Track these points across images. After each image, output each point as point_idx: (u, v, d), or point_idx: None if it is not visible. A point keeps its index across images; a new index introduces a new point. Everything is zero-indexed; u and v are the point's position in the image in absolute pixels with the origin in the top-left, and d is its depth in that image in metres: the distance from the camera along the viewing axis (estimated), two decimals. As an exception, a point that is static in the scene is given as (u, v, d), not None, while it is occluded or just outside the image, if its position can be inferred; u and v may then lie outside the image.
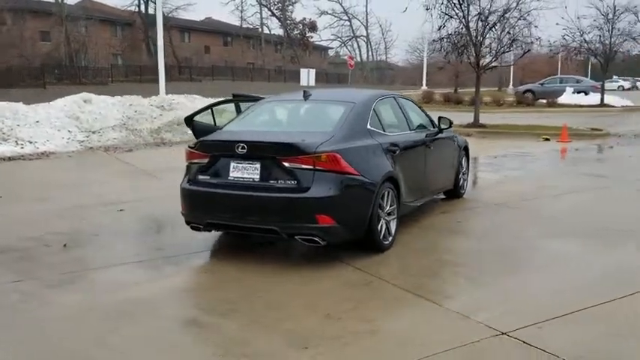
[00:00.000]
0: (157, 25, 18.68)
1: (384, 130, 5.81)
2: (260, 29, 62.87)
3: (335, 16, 77.53)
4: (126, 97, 17.14)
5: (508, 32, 17.20)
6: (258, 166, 5.04)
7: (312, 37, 62.54)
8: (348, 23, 78.05)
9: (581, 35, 27.05)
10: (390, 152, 5.64)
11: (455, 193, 7.85)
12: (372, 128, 5.63)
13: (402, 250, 5.57)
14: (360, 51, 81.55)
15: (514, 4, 17.68)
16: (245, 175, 5.10)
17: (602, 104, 28.42)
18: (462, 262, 5.29)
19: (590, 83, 33.20)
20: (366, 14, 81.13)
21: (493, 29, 17.51)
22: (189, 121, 7.30)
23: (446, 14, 18.06)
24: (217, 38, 58.46)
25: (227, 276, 4.92)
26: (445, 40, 18.75)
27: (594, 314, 4.02)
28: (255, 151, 5.03)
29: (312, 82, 22.87)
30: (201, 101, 17.92)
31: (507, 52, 17.92)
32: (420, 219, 6.72)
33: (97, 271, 5.12)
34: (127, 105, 16.58)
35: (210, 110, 7.35)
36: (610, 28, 26.95)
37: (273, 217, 4.95)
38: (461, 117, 17.23)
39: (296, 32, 60.81)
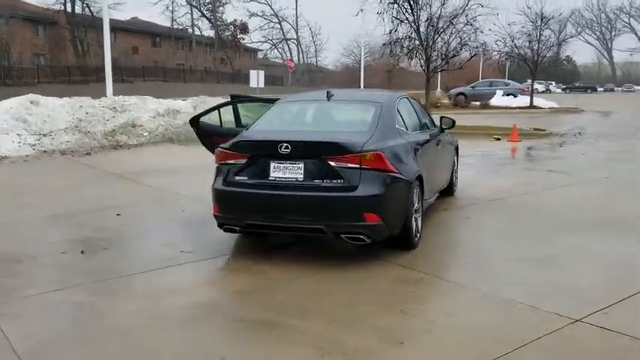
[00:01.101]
0: (103, 25, 18.03)
1: (407, 130, 5.94)
2: (191, 30, 61.75)
3: (265, 19, 77.48)
4: (75, 99, 16.40)
5: (458, 37, 17.86)
6: (301, 165, 5.03)
7: (243, 39, 62.16)
8: (279, 26, 78.23)
9: (512, 41, 28.47)
10: (415, 151, 5.79)
11: (449, 190, 8.11)
12: (400, 127, 5.75)
13: (429, 246, 5.71)
14: (290, 53, 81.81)
15: (461, 11, 18.34)
16: (287, 175, 5.07)
17: (531, 106, 30.02)
18: (494, 254, 5.48)
19: (517, 86, 34.94)
20: (296, 17, 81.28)
21: (442, 34, 18.10)
22: (194, 122, 7.17)
23: (397, 19, 18.50)
24: (145, 39, 56.87)
25: (272, 277, 4.87)
26: (394, 43, 19.21)
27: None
28: (300, 150, 5.02)
29: (262, 84, 22.75)
30: (154, 102, 17.44)
31: (456, 55, 18.57)
32: (426, 216, 6.90)
33: (136, 277, 4.92)
34: (76, 107, 15.87)
35: (217, 111, 7.27)
36: (538, 34, 28.54)
37: (320, 216, 4.95)
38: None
39: (227, 34, 60.17)
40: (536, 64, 28.93)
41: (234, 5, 73.55)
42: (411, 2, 18.03)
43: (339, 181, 4.94)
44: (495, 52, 28.36)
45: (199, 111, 17.92)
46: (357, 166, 4.92)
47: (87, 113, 15.63)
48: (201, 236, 6.25)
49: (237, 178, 5.25)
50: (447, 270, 5.04)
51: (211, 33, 62.63)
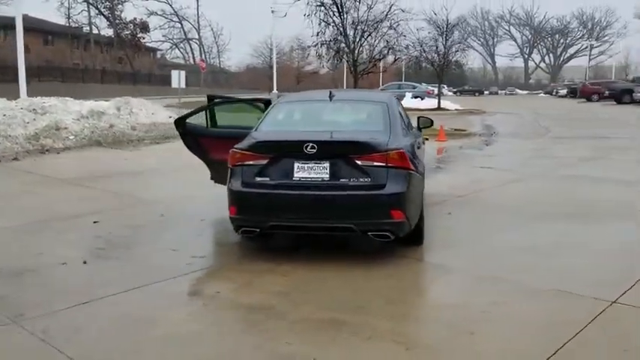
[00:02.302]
0: (16, 24, 16.76)
1: (407, 129, 6.13)
2: (88, 29, 58.51)
3: (165, 18, 75.26)
4: (-12, 100, 15.14)
5: (386, 40, 18.46)
6: (327, 165, 5.05)
7: (143, 38, 59.82)
8: (179, 25, 76.31)
9: (421, 46, 29.75)
10: (417, 148, 5.99)
11: (421, 188, 8.41)
12: (404, 127, 5.93)
13: (433, 241, 5.91)
14: (193, 54, 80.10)
15: (384, 15, 18.96)
16: (312, 175, 5.07)
17: (439, 108, 31.53)
18: (498, 246, 5.79)
19: (424, 89, 36.58)
20: (198, 17, 79.61)
21: (369, 37, 18.63)
22: (180, 123, 6.93)
23: (324, 21, 18.79)
24: (37, 37, 53.04)
25: (302, 277, 4.86)
26: (320, 45, 19.51)
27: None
28: (326, 150, 5.04)
29: (183, 84, 22.09)
30: (76, 104, 16.47)
31: (382, 58, 19.17)
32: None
33: (166, 283, 4.72)
34: (-9, 108, 14.66)
35: (205, 113, 7.06)
36: (444, 40, 30.06)
37: (349, 214, 5.00)
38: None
39: (126, 32, 57.65)
40: (442, 69, 30.44)
41: (134, 3, 71.07)
42: (338, 5, 18.37)
43: (366, 179, 5.02)
44: (406, 56, 29.48)
45: (123, 113, 17.38)
46: (384, 164, 5.03)
47: (5, 115, 14.48)
48: (204, 240, 6.09)
49: (258, 179, 5.17)
50: (467, 263, 5.26)
51: (110, 32, 59.94)
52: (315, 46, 19.74)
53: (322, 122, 5.94)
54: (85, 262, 5.26)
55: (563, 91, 61.53)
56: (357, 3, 18.16)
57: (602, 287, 4.53)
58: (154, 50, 71.28)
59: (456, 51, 30.43)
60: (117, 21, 57.77)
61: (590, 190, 8.91)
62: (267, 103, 6.95)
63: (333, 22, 18.71)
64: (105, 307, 4.24)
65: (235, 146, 5.40)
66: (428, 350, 3.54)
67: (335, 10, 18.38)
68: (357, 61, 18.70)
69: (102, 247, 5.74)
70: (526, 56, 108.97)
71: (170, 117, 18.44)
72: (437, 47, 29.92)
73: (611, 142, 15.77)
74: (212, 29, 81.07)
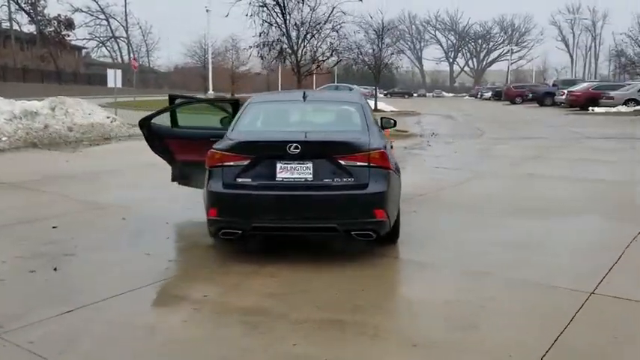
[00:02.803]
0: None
1: (380, 129, 6.20)
2: (8, 24, 55.31)
3: (91, 15, 72.47)
4: None
5: (330, 42, 18.58)
6: (310, 165, 5.03)
7: (68, 36, 57.24)
8: (106, 23, 73.71)
9: (358, 48, 30.12)
10: (390, 148, 6.07)
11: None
12: (378, 127, 6.00)
13: (405, 238, 6.00)
14: (120, 52, 77.57)
15: (326, 17, 19.09)
16: (295, 176, 5.04)
17: (376, 109, 32.04)
18: (469, 242, 5.95)
19: (361, 91, 37.01)
20: (125, 15, 76.86)
21: (312, 39, 18.70)
22: (145, 123, 6.70)
23: (267, 22, 18.69)
24: (-53, 32, 49.91)
25: (289, 278, 4.81)
26: (263, 46, 19.41)
27: (624, 266, 5.01)
28: (309, 150, 5.01)
29: (120, 84, 21.32)
30: (7, 103, 15.55)
31: (325, 60, 19.29)
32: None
33: (151, 288, 4.55)
34: None
35: (170, 113, 6.86)
36: (380, 43, 30.59)
37: (332, 215, 5.00)
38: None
39: (50, 29, 54.97)
40: (379, 70, 30.98)
41: (59, -1, 67.55)
42: (281, 6, 18.33)
43: (349, 179, 5.03)
44: (347, 59, 29.79)
45: (58, 113, 16.59)
46: (366, 164, 5.06)
47: None
48: (174, 243, 5.93)
49: (240, 180, 5.08)
50: (446, 259, 5.36)
51: (32, 28, 56.98)
52: (257, 46, 19.62)
53: (300, 123, 5.91)
54: (55, 269, 4.99)
55: (488, 94, 63.93)
56: (301, 4, 18.20)
57: (578, 279, 4.75)
58: (79, 48, 68.42)
59: (392, 54, 31.05)
60: (39, 17, 55.06)
61: (542, 186, 9.28)
62: (236, 103, 6.85)
63: (276, 22, 18.66)
64: (92, 315, 4.04)
65: (214, 147, 5.28)
66: (436, 346, 3.58)
67: (278, 10, 18.34)
68: (301, 62, 18.72)
69: (70, 253, 5.46)
70: (451, 60, 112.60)
71: (108, 117, 17.81)
72: (373, 50, 30.41)
73: (545, 142, 16.55)
74: (140, 28, 78.71)
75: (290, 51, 18.74)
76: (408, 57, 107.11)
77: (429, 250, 5.65)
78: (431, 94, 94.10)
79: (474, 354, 3.47)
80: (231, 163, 5.11)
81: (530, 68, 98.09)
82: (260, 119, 5.88)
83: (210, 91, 37.21)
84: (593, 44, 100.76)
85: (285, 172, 5.05)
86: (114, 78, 20.64)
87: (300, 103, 6.03)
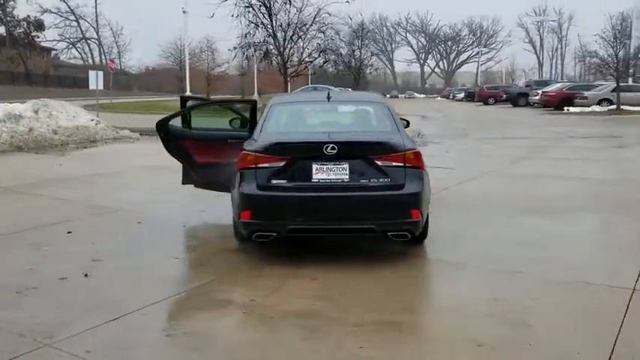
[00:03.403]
0: None
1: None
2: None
3: (61, 16, 70.95)
4: None
5: (318, 43, 18.55)
6: (346, 166, 5.00)
7: (38, 37, 55.89)
8: (76, 24, 72.23)
9: (339, 49, 30.16)
10: None
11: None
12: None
13: (428, 240, 6.01)
14: (91, 54, 76.09)
15: (312, 19, 19.06)
16: (332, 177, 5.00)
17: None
18: (493, 241, 5.99)
19: (335, 91, 37.07)
20: (96, 15, 75.24)
21: (299, 40, 18.66)
22: (163, 125, 6.57)
23: (253, 23, 18.58)
24: None
25: (329, 280, 4.76)
26: (248, 46, 19.29)
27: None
28: (346, 151, 4.98)
29: (101, 86, 20.87)
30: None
31: (313, 61, 19.28)
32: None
33: (192, 293, 4.45)
34: None
35: (187, 115, 6.76)
36: (360, 44, 30.66)
37: (370, 215, 4.98)
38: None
39: (19, 31, 53.60)
40: (358, 72, 31.05)
41: (28, 0, 65.67)
42: (268, 7, 18.25)
43: (386, 180, 5.02)
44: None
45: (42, 116, 16.19)
46: (402, 164, 5.06)
47: None
48: (200, 247, 5.81)
49: (275, 181, 5.01)
50: (473, 257, 5.36)
51: (1, 30, 55.39)
52: (242, 47, 19.48)
53: (330, 123, 5.87)
54: (86, 275, 4.85)
55: (460, 95, 64.79)
56: (288, 5, 18.15)
57: (612, 276, 4.81)
58: (48, 50, 66.90)
59: (371, 55, 31.16)
60: (8, 18, 53.67)
61: (541, 185, 9.40)
62: (254, 104, 6.78)
63: (262, 23, 18.55)
64: (140, 323, 3.94)
65: (246, 148, 5.21)
66: (501, 346, 3.57)
67: (264, 11, 18.24)
68: (287, 63, 18.66)
69: (96, 259, 5.31)
70: (422, 61, 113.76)
71: (92, 120, 17.45)
72: (353, 51, 30.45)
73: (530, 142, 16.80)
74: (111, 29, 77.13)
75: (276, 52, 18.64)
76: (380, 59, 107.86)
77: (455, 250, 5.64)
78: (403, 95, 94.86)
79: (541, 353, 3.47)
80: (266, 165, 5.04)
81: (498, 69, 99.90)
82: (288, 120, 5.83)
83: (188, 93, 36.76)
84: (559, 46, 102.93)
85: (321, 173, 5.00)
86: (95, 80, 20.21)
87: (325, 103, 5.98)
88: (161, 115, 7.06)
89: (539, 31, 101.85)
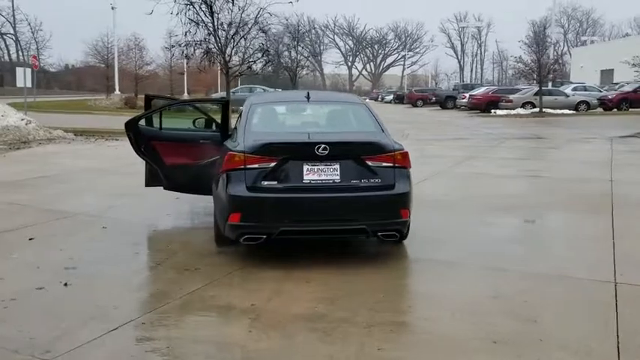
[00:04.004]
0: None
1: None
2: None
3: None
4: None
5: (261, 43, 18.33)
6: (337, 166, 4.95)
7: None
8: (-10, 18, 67.98)
9: (276, 50, 30.02)
10: None
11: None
12: (385, 128, 6.01)
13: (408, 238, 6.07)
14: (8, 50, 71.76)
15: (254, 19, 18.83)
16: (323, 177, 4.94)
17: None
18: (472, 238, 6.11)
19: (272, 92, 36.94)
20: (13, 9, 70.97)
21: (242, 40, 18.38)
22: (131, 125, 6.28)
23: (193, 21, 18.13)
24: None
25: (323, 282, 4.69)
26: (188, 45, 18.82)
27: (624, 257, 5.36)
28: (337, 151, 4.93)
29: (29, 83, 19.67)
30: None
31: (255, 61, 19.05)
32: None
33: (192, 298, 4.26)
34: None
35: (158, 114, 6.49)
36: (296, 45, 30.69)
37: (361, 216, 4.95)
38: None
39: None
40: (295, 73, 31.06)
41: None
42: (209, 5, 17.87)
43: (376, 180, 5.01)
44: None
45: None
46: (392, 164, 5.07)
47: None
48: (182, 251, 5.57)
49: (265, 183, 4.89)
50: (459, 255, 5.44)
51: None
52: (180, 45, 18.98)
53: (315, 124, 5.80)
54: (65, 285, 4.55)
55: (389, 97, 66.20)
56: (230, 4, 17.82)
57: (593, 271, 5.00)
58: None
59: (308, 56, 31.23)
60: None
61: (498, 184, 9.63)
62: (226, 104, 6.62)
63: (203, 21, 18.13)
64: (145, 333, 3.74)
65: (232, 149, 5.05)
66: (514, 342, 3.61)
67: (205, 8, 17.82)
68: (229, 62, 18.33)
69: (70, 267, 4.99)
70: (350, 64, 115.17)
71: (23, 119, 16.48)
72: (290, 53, 30.45)
73: (470, 142, 17.35)
74: (29, 24, 72.98)
75: (218, 51, 18.28)
76: (310, 61, 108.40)
77: (442, 249, 5.69)
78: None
79: (556, 347, 3.56)
80: (255, 166, 4.91)
81: (423, 73, 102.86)
82: (272, 120, 5.71)
83: (117, 92, 35.52)
84: (479, 51, 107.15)
85: (312, 173, 4.93)
86: (23, 77, 19.07)
87: (305, 103, 5.92)
88: (91, 115, 6.81)
89: (459, 36, 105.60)
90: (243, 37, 18.30)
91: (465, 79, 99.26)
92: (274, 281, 4.70)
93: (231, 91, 38.05)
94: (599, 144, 16.00)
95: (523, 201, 8.12)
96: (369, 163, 5.00)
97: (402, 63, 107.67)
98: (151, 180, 6.75)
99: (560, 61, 31.34)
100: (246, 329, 3.78)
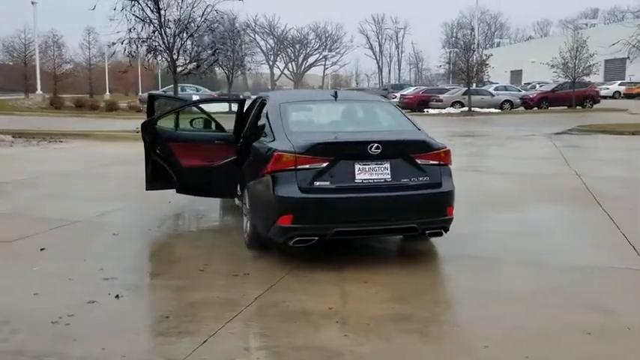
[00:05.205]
0: None
1: None
2: None
3: None
4: None
5: (212, 41, 17.86)
6: (387, 165, 4.91)
7: None
8: None
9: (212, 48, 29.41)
10: None
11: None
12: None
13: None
14: None
15: (201, 17, 18.32)
16: (374, 177, 4.89)
17: (230, 111, 31.51)
18: (484, 233, 6.24)
19: (208, 92, 36.38)
20: None
21: (190, 37, 17.84)
22: (149, 126, 5.95)
23: (137, 17, 17.40)
24: None
25: (388, 282, 4.64)
26: (131, 42, 18.05)
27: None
28: (389, 150, 4.89)
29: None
30: None
31: (206, 60, 18.55)
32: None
33: (244, 300, 4.08)
34: None
35: (175, 115, 6.20)
36: (232, 44, 30.20)
37: (412, 215, 4.95)
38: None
39: None
40: (232, 73, 30.62)
41: None
42: (155, 1, 17.22)
43: (425, 178, 5.01)
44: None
45: None
46: (437, 162, 5.09)
47: None
48: (220, 258, 5.33)
49: (318, 183, 4.77)
50: (482, 250, 5.55)
51: None
52: (122, 42, 18.13)
53: (353, 122, 5.68)
54: (117, 297, 4.24)
55: (316, 97, 66.46)
56: (180, 1, 17.23)
57: (623, 259, 5.24)
58: None
59: (245, 55, 30.84)
60: None
61: (473, 182, 9.86)
62: (242, 102, 6.43)
63: (147, 17, 17.41)
64: (238, 343, 3.57)
65: (280, 149, 4.88)
66: (607, 332, 3.73)
67: (152, 5, 17.13)
68: (175, 61, 17.71)
69: (110, 277, 4.65)
70: (271, 63, 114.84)
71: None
72: (227, 51, 29.89)
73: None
74: None
75: (164, 48, 17.62)
76: (230, 60, 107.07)
77: (466, 245, 5.76)
78: (255, 96, 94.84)
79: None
80: (307, 166, 4.79)
81: (344, 73, 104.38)
82: (309, 120, 5.59)
83: (39, 91, 33.48)
84: (396, 52, 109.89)
85: (364, 173, 4.87)
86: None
87: (334, 102, 5.80)
88: (16, 116, 6.50)
89: (378, 37, 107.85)
90: (191, 34, 17.75)
91: (383, 80, 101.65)
92: (332, 284, 4.61)
93: (162, 90, 37.16)
94: (540, 141, 16.78)
95: (507, 197, 8.35)
96: (418, 161, 5.00)
97: (324, 63, 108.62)
98: (153, 183, 6.43)
99: (487, 63, 32.58)
100: (339, 333, 3.68)
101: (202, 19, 18.03)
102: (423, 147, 5.06)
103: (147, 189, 6.52)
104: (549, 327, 3.81)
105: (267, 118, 5.58)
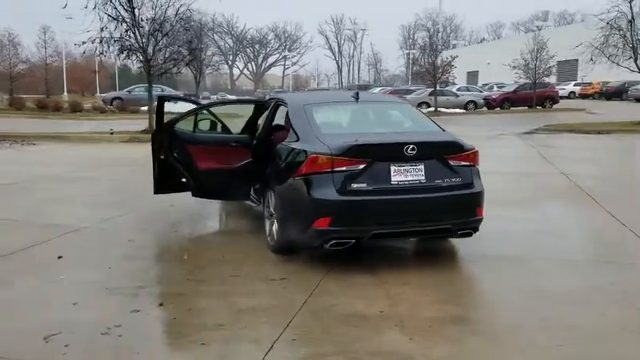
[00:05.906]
0: None
1: None
2: None
3: None
4: None
5: (189, 41, 17.52)
6: (422, 167, 4.91)
7: None
8: None
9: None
10: None
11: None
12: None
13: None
14: None
15: (175, 17, 18.00)
16: (409, 178, 4.88)
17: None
18: (507, 231, 6.30)
19: (173, 92, 35.70)
20: None
21: (164, 37, 17.50)
22: (168, 127, 5.79)
23: (110, 15, 16.96)
24: None
25: (426, 284, 4.63)
26: (102, 41, 17.58)
27: None
28: (424, 151, 4.88)
29: None
30: None
31: (181, 60, 18.22)
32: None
33: (290, 307, 4.01)
34: None
35: (193, 117, 6.05)
36: (199, 44, 29.75)
37: (447, 216, 4.97)
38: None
39: None
40: (200, 73, 30.19)
41: None
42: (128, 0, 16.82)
43: (457, 179, 5.03)
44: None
45: None
46: (468, 163, 5.12)
47: None
48: (244, 261, 5.22)
49: (355, 185, 4.73)
50: (511, 249, 5.59)
51: None
52: (92, 42, 17.60)
53: (380, 124, 5.65)
54: (161, 305, 4.11)
55: (278, 97, 66.26)
56: (154, 0, 16.85)
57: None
58: None
59: (212, 55, 30.46)
60: None
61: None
62: (262, 105, 6.36)
63: (120, 16, 16.96)
64: (304, 349, 3.51)
65: (315, 151, 4.81)
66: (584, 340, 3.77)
67: (125, 3, 16.70)
68: (151, 60, 17.33)
69: (140, 286, 4.49)
70: (230, 63, 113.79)
71: None
72: (193, 50, 29.40)
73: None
74: None
75: (137, 46, 17.20)
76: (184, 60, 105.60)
77: (487, 244, 5.77)
78: (215, 96, 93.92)
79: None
80: (344, 168, 4.74)
81: (304, 74, 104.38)
82: (338, 121, 5.54)
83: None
84: (355, 53, 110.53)
85: (399, 174, 4.85)
86: None
87: (355, 103, 5.75)
88: None
89: (337, 38, 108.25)
90: (166, 34, 17.40)
91: (343, 80, 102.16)
92: (374, 286, 4.58)
93: (127, 90, 36.32)
94: (513, 140, 17.11)
95: (505, 195, 8.43)
96: (452, 162, 5.02)
97: (283, 63, 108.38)
98: (162, 187, 6.28)
99: (453, 64, 33.14)
100: (403, 337, 3.65)
101: (176, 19, 17.73)
102: (455, 148, 5.08)
103: (155, 192, 6.36)
104: (603, 326, 3.86)
105: (290, 119, 5.51)
